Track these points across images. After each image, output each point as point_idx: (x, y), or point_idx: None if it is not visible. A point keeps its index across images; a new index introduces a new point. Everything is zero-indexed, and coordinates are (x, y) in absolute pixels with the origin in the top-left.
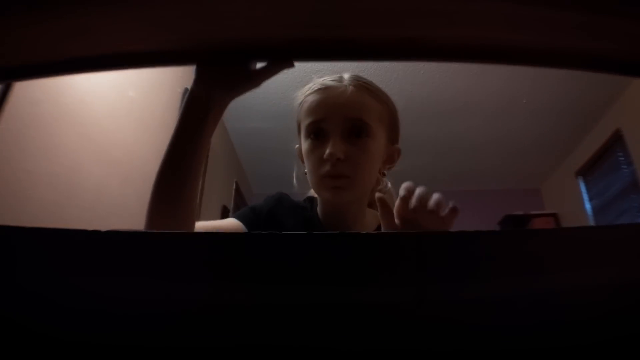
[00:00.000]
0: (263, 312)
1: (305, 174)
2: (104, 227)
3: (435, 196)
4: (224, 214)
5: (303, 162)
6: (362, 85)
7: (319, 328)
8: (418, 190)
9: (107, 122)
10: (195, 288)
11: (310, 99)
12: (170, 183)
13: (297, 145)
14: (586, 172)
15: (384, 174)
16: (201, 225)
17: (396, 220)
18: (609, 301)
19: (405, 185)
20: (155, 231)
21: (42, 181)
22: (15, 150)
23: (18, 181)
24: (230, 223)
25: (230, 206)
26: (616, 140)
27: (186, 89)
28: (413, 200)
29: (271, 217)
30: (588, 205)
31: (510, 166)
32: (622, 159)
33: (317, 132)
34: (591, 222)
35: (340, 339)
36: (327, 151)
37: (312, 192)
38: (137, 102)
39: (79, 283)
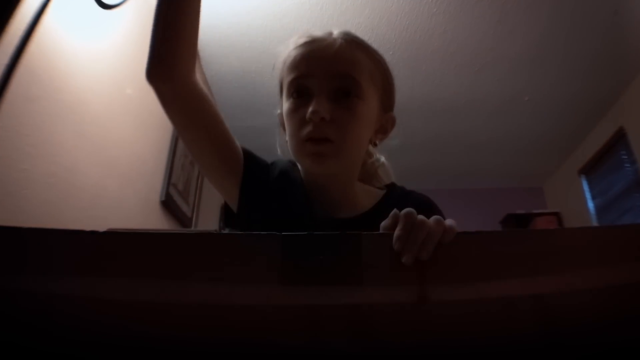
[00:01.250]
0: (263, 312)
1: (287, 142)
2: (102, 227)
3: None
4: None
5: (284, 130)
6: (353, 40)
7: (320, 328)
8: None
9: (105, 120)
10: (194, 288)
11: (294, 53)
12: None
13: (279, 111)
14: (589, 170)
15: (375, 144)
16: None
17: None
18: (610, 302)
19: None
20: (154, 231)
21: (39, 180)
22: (11, 148)
23: (14, 180)
24: (235, 146)
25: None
26: (619, 139)
27: None
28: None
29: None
30: (591, 204)
31: (512, 165)
32: (625, 157)
33: (300, 90)
34: (594, 221)
35: (341, 339)
36: (310, 109)
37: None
38: (135, 99)
39: (77, 283)
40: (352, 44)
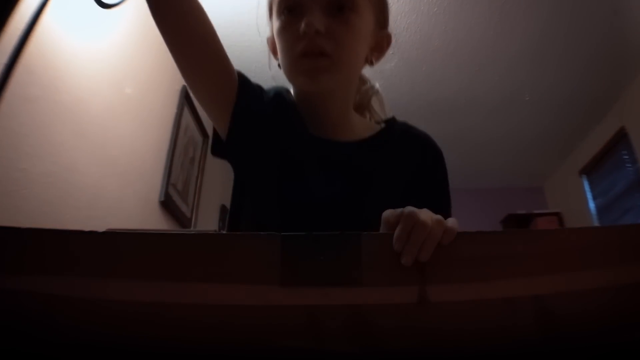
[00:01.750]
0: (263, 314)
1: (279, 66)
2: (101, 227)
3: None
4: (223, 214)
5: (274, 54)
6: None
7: (319, 329)
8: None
9: (104, 120)
10: (193, 288)
11: None
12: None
13: (269, 35)
14: (590, 170)
15: (372, 63)
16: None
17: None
18: (611, 302)
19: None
20: (153, 232)
21: (38, 180)
22: (10, 148)
23: (13, 180)
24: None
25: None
26: (620, 138)
27: (184, 87)
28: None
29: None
30: (592, 204)
31: (512, 164)
32: (627, 157)
33: (292, 6)
34: (595, 221)
35: (341, 340)
36: (304, 22)
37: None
38: (135, 99)
39: (76, 284)
40: None
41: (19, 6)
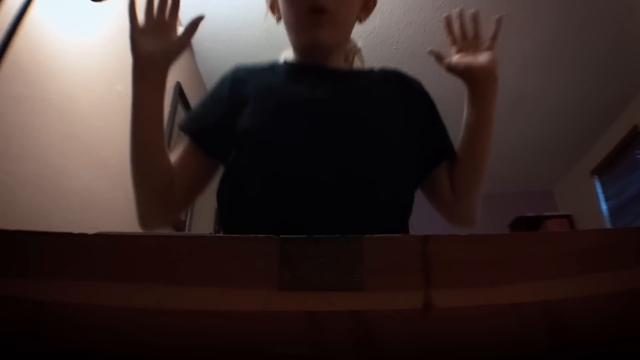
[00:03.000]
0: (261, 319)
1: (277, 21)
2: (92, 230)
3: (470, 22)
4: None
5: (273, 11)
6: None
7: (320, 335)
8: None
9: (95, 119)
10: (189, 293)
11: None
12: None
13: None
14: (602, 171)
15: (361, 21)
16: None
17: (453, 56)
18: (624, 308)
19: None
20: (145, 234)
21: (27, 182)
22: None
23: (1, 183)
24: (182, 150)
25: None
26: (634, 138)
27: (178, 83)
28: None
29: (235, 89)
30: (604, 206)
31: (521, 167)
32: None
33: None
34: (607, 224)
35: (342, 347)
36: None
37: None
38: (126, 96)
39: (66, 289)
40: None
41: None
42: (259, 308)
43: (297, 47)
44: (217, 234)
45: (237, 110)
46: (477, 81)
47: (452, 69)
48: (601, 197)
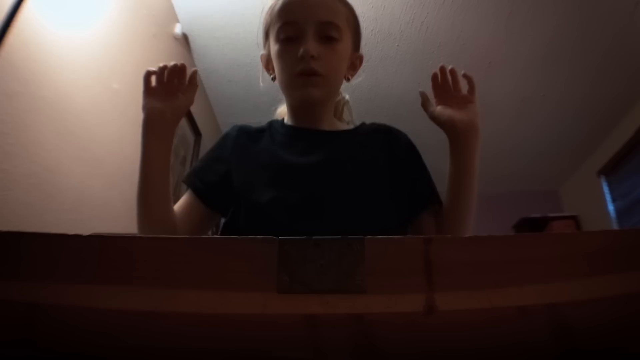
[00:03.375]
0: (260, 323)
1: (273, 79)
2: (86, 231)
3: (451, 77)
4: None
5: (268, 70)
6: None
7: (320, 339)
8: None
9: (90, 117)
10: (185, 296)
11: (282, 1)
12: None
13: (262, 53)
14: (609, 171)
15: (348, 79)
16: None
17: (436, 107)
18: (631, 311)
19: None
20: (140, 235)
21: (19, 181)
22: None
23: None
24: (185, 200)
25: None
26: None
27: None
28: (438, 69)
29: (239, 149)
30: (611, 207)
31: (526, 167)
32: None
33: (290, 34)
34: (614, 225)
35: (343, 351)
36: (302, 49)
37: (279, 116)
38: (122, 94)
39: (60, 291)
40: None
41: None
42: (257, 311)
43: (291, 104)
44: (215, 236)
45: (236, 173)
46: (458, 132)
47: (435, 119)
48: (608, 197)
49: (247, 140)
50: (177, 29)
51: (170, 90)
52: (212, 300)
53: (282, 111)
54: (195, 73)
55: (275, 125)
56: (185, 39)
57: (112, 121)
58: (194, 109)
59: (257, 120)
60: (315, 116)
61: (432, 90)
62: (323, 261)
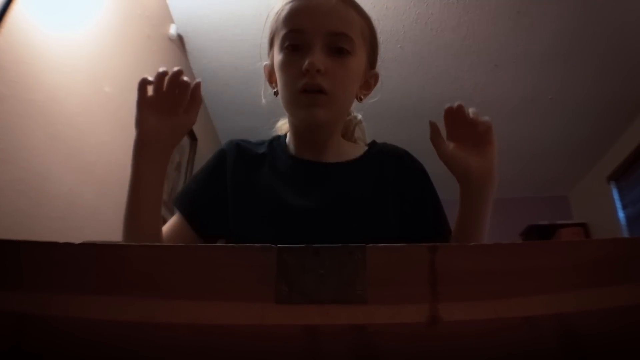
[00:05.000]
0: (257, 334)
1: (275, 94)
2: (77, 239)
3: (471, 109)
4: None
5: (271, 82)
6: None
7: (320, 351)
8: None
9: (81, 122)
10: (181, 306)
11: (290, 6)
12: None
13: (266, 63)
14: (619, 177)
15: (360, 99)
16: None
17: (448, 144)
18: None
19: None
20: (133, 244)
21: (8, 188)
22: None
23: None
24: (175, 223)
25: None
26: None
27: None
28: (455, 107)
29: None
30: (621, 214)
31: (534, 172)
32: None
33: (295, 43)
34: (625, 233)
35: None
36: (307, 61)
37: (279, 130)
38: (114, 98)
39: (50, 301)
40: (345, 2)
41: None
42: (254, 322)
43: (293, 123)
44: (211, 245)
45: (232, 201)
46: (471, 181)
47: (446, 160)
48: (618, 204)
49: (245, 164)
50: (172, 30)
51: (170, 104)
52: (208, 310)
53: (283, 126)
54: (199, 86)
55: (276, 149)
56: (180, 40)
57: (104, 126)
58: None
59: (255, 125)
60: (319, 140)
61: (444, 122)
62: (323, 270)
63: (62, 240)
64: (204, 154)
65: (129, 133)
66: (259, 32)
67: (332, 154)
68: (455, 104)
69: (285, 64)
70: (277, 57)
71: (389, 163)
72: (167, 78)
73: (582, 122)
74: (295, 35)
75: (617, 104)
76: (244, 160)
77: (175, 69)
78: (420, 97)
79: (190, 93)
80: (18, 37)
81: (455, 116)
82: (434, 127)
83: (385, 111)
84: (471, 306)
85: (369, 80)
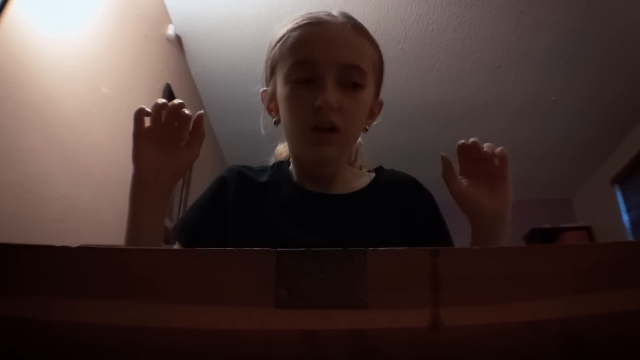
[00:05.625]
0: (256, 339)
1: (275, 123)
2: (74, 242)
3: (486, 144)
4: None
5: (270, 110)
6: (358, 26)
7: (320, 356)
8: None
9: (78, 123)
10: (178, 310)
11: (298, 34)
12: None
13: (264, 89)
14: (623, 179)
15: (365, 130)
16: None
17: (461, 179)
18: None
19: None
20: (131, 247)
21: (4, 190)
22: None
23: None
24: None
25: None
26: None
27: (167, 85)
28: (470, 143)
29: (239, 199)
30: (625, 217)
31: (537, 174)
32: None
33: (305, 75)
34: (629, 236)
35: None
36: (320, 99)
37: (278, 156)
38: (112, 99)
39: (46, 306)
40: (358, 30)
41: None
42: (253, 327)
43: (298, 157)
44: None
45: (234, 234)
46: (483, 221)
47: (458, 198)
48: (622, 207)
49: (247, 194)
50: (170, 30)
51: (169, 137)
52: (206, 315)
53: (283, 151)
54: (201, 118)
55: (279, 178)
56: (178, 41)
57: (102, 127)
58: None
59: (254, 128)
60: (326, 174)
61: (458, 158)
62: (323, 274)
63: (59, 243)
64: (202, 157)
65: (127, 134)
66: (258, 32)
67: (337, 185)
68: (470, 140)
69: (294, 98)
70: (283, 88)
71: (396, 193)
72: (165, 111)
73: (585, 123)
74: (305, 67)
75: (622, 105)
76: (246, 190)
77: (176, 101)
78: (422, 98)
79: (193, 126)
80: (14, 38)
81: (469, 152)
82: (446, 163)
83: (386, 113)
84: (473, 311)
85: (374, 109)
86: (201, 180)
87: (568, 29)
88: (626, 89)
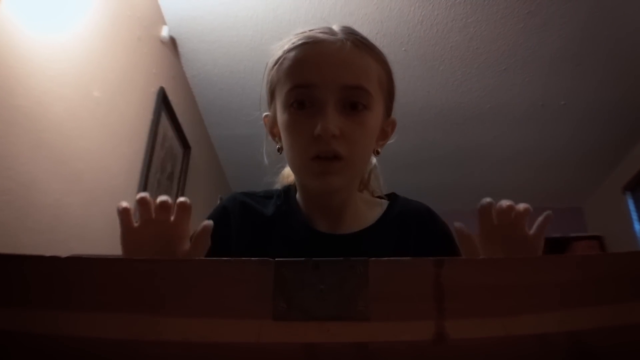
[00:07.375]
0: (254, 352)
1: (278, 150)
2: (64, 252)
3: (521, 206)
4: None
5: (274, 135)
6: (360, 42)
7: None
8: (499, 204)
9: (68, 128)
10: (173, 323)
11: (294, 55)
12: None
13: (266, 114)
14: (635, 187)
15: (377, 152)
16: None
17: (479, 243)
18: None
19: (483, 200)
20: (122, 257)
21: None
22: None
23: None
24: None
25: None
26: None
27: (161, 88)
28: (494, 213)
29: (243, 229)
30: (638, 226)
31: (546, 181)
32: None
33: (303, 99)
34: None
35: None
36: (319, 126)
37: (285, 179)
38: (104, 103)
39: (36, 318)
40: (360, 47)
41: None
42: (251, 340)
43: (301, 188)
44: (205, 258)
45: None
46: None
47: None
48: (634, 215)
49: (252, 229)
50: (164, 32)
51: (164, 233)
52: (201, 327)
53: (289, 174)
54: (207, 230)
55: (286, 211)
56: (172, 43)
57: (92, 132)
58: (182, 119)
59: (251, 133)
60: (335, 204)
61: (479, 221)
62: (323, 285)
63: (48, 253)
64: (198, 163)
65: (119, 140)
66: (256, 34)
67: (348, 219)
68: (485, 202)
69: (293, 126)
70: (282, 115)
71: (410, 225)
72: (153, 207)
73: (596, 128)
74: (303, 91)
75: (633, 109)
76: (250, 224)
77: (163, 197)
78: (426, 102)
79: (195, 237)
80: (2, 40)
81: (489, 215)
82: (459, 232)
83: None
84: (479, 323)
85: (386, 129)
86: (195, 187)
87: (577, 30)
88: (638, 92)
